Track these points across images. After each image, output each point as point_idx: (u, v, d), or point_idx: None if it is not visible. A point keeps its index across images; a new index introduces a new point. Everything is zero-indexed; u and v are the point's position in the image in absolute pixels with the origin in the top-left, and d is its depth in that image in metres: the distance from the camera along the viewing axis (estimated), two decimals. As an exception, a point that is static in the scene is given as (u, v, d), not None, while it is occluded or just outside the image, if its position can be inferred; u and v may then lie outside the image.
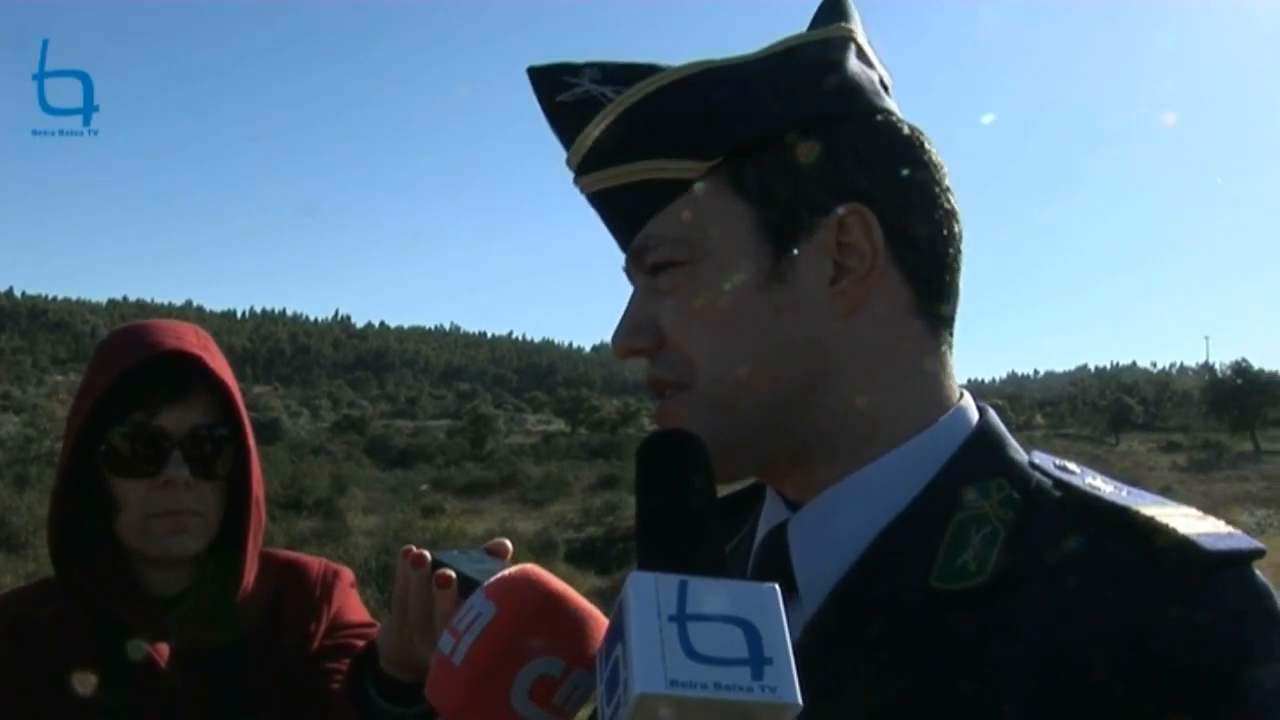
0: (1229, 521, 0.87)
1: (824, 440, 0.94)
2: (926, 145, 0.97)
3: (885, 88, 1.00)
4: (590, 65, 0.98)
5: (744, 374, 0.93)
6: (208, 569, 1.70)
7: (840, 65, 0.96)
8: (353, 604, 1.81)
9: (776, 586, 0.69)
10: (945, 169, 0.98)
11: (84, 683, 1.57)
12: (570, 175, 1.01)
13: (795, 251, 0.93)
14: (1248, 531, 0.86)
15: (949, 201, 0.97)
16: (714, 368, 0.94)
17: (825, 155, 0.93)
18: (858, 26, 1.00)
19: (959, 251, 0.97)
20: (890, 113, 0.97)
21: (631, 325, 0.98)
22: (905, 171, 0.95)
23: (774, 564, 0.95)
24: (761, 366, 0.93)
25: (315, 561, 1.84)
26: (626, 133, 0.95)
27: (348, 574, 1.84)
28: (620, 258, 1.01)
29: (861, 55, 0.99)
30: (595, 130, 0.96)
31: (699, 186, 0.94)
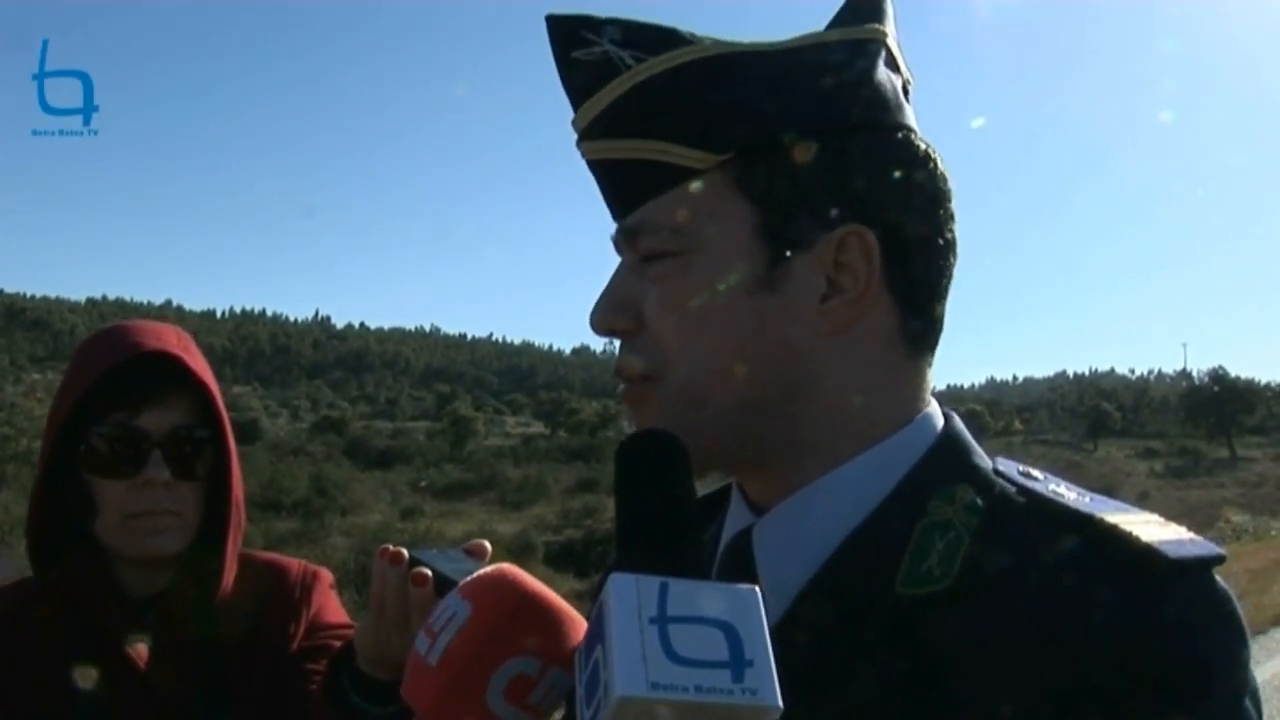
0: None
1: (794, 447, 0.94)
2: (939, 169, 0.95)
3: (906, 93, 0.98)
4: (612, 23, 0.94)
5: (718, 375, 0.92)
6: (187, 569, 1.69)
7: (868, 73, 0.93)
8: (332, 605, 1.81)
9: (757, 589, 0.70)
10: (952, 195, 0.96)
11: (63, 683, 1.57)
12: (574, 133, 0.97)
13: (790, 261, 0.91)
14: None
15: (950, 230, 0.96)
16: (688, 365, 0.92)
17: (837, 167, 0.91)
18: (890, 27, 0.97)
19: (950, 280, 0.97)
20: (909, 129, 0.95)
21: (613, 302, 0.96)
22: (914, 196, 0.93)
23: (738, 568, 0.95)
24: (737, 370, 0.91)
25: (295, 563, 1.84)
26: (639, 107, 0.92)
27: (327, 575, 1.84)
28: (609, 226, 0.98)
29: (890, 60, 0.96)
30: (607, 98, 0.93)
31: (704, 179, 0.91)
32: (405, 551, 1.18)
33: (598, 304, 0.97)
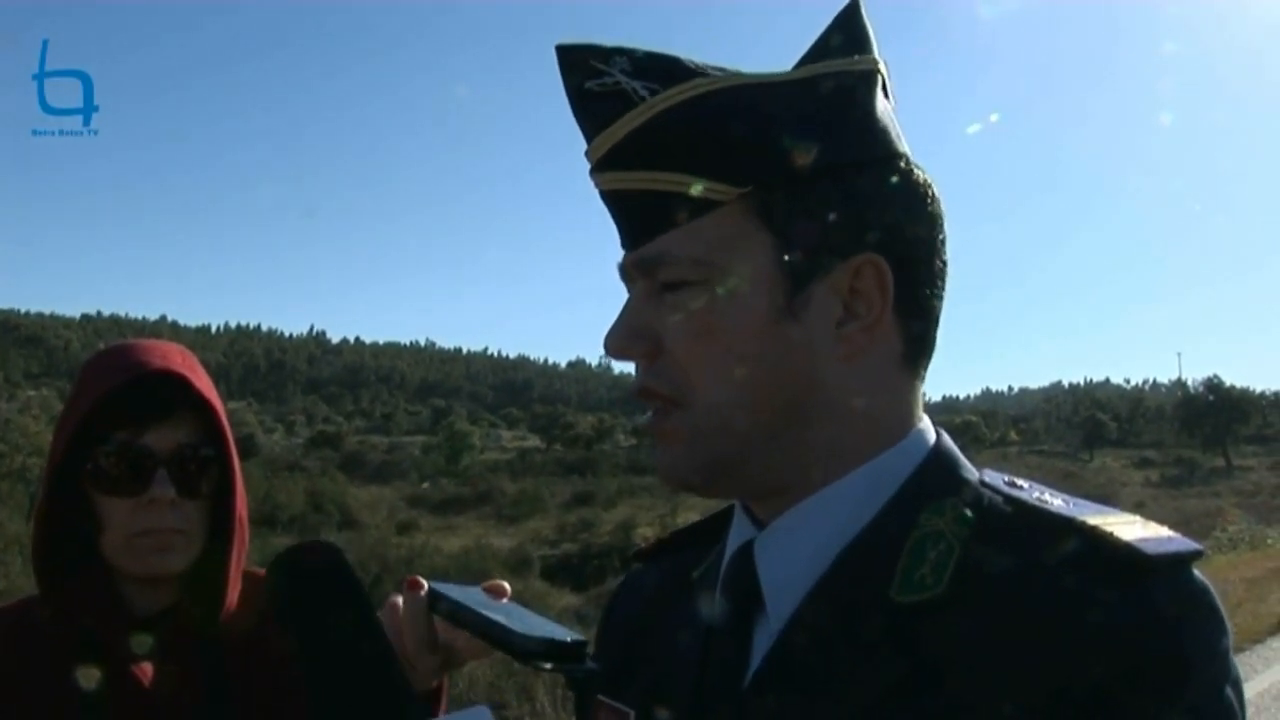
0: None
1: (800, 465, 0.97)
2: (936, 197, 0.99)
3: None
4: (619, 52, 0.94)
5: (743, 403, 0.94)
6: (191, 587, 1.70)
7: (874, 108, 0.96)
8: (335, 621, 1.81)
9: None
10: (945, 219, 1.00)
11: (66, 701, 1.58)
12: (586, 164, 0.98)
13: (810, 289, 0.94)
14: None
15: (945, 253, 0.99)
16: (713, 391, 0.95)
17: (852, 200, 0.94)
18: (878, 53, 0.99)
19: (943, 301, 1.00)
20: (909, 159, 0.98)
21: (630, 330, 0.98)
22: (918, 224, 0.97)
23: (742, 580, 0.99)
24: (761, 397, 0.94)
25: (298, 579, 1.84)
26: (658, 139, 0.93)
27: (331, 591, 1.85)
28: (605, 241, 0.99)
29: (884, 88, 0.99)
30: (624, 129, 0.93)
31: (724, 210, 0.93)
32: (424, 582, 1.21)
33: (615, 330, 0.98)
